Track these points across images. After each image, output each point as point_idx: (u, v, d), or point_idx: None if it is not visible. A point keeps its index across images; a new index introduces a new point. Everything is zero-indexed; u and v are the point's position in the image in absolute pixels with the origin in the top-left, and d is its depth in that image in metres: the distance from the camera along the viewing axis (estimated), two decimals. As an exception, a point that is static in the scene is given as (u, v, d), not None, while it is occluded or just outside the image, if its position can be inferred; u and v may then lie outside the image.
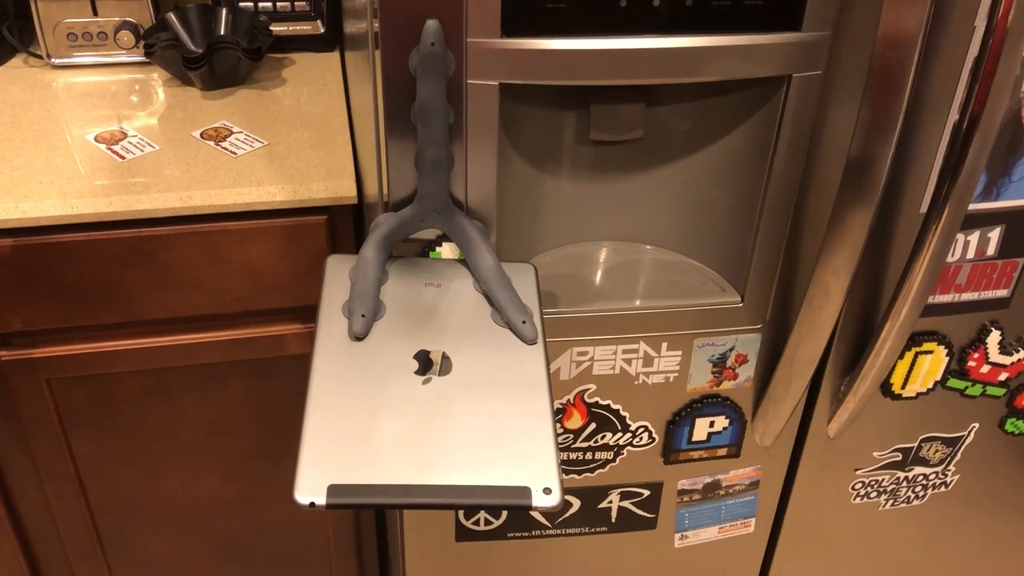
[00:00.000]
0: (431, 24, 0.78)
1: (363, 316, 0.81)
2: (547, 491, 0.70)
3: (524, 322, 0.83)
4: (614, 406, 1.06)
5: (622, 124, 0.95)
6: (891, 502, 1.25)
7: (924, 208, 0.97)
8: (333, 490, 0.68)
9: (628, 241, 1.06)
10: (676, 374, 1.04)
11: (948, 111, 0.91)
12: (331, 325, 0.82)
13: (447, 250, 0.91)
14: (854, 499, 1.23)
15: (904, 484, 1.23)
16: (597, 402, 1.05)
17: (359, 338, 0.80)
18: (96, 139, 1.28)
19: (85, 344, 1.29)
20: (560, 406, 1.05)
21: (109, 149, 1.26)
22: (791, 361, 1.00)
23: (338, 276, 0.87)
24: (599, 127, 0.95)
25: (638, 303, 0.99)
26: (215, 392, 1.37)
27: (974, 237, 1.01)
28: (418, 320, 0.83)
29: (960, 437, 1.19)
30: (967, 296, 1.05)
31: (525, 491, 0.70)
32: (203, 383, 1.36)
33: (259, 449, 1.44)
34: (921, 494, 1.25)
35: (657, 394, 1.06)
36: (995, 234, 1.02)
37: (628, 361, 1.02)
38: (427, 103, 0.81)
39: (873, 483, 1.21)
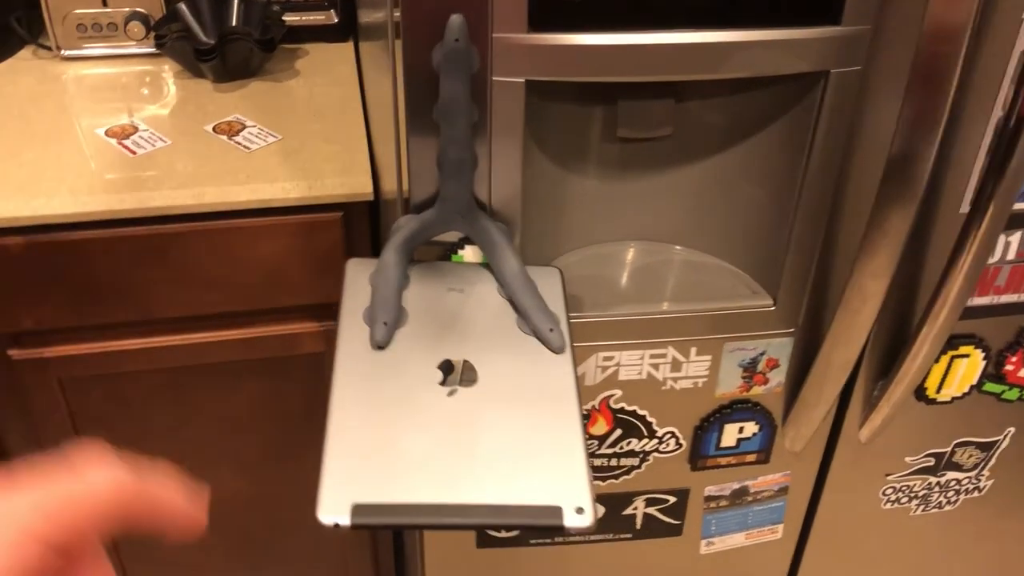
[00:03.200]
0: (455, 19, 0.75)
1: (385, 324, 0.78)
2: (579, 511, 0.67)
3: (551, 330, 0.79)
4: (640, 412, 1.03)
5: (651, 121, 0.92)
6: (922, 507, 1.21)
7: (964, 208, 0.93)
8: (358, 510, 0.65)
9: (656, 241, 1.02)
10: (705, 379, 1.01)
11: (992, 107, 0.87)
12: (352, 333, 0.79)
13: (470, 253, 0.88)
14: (884, 505, 1.20)
15: (936, 489, 1.20)
16: (623, 408, 1.02)
17: (381, 347, 0.77)
18: (106, 133, 1.25)
19: (97, 343, 1.26)
20: (584, 412, 1.02)
21: (120, 144, 1.23)
22: (825, 366, 0.96)
23: (358, 281, 0.84)
24: (627, 124, 0.92)
25: (666, 306, 0.96)
26: (229, 391, 1.35)
27: (1015, 238, 0.97)
28: (441, 327, 0.80)
29: (995, 442, 1.16)
30: (1006, 298, 1.02)
31: (556, 511, 0.67)
32: (217, 382, 1.33)
33: (274, 448, 1.42)
34: (953, 499, 1.22)
35: (685, 400, 1.02)
36: (1037, 234, 0.98)
37: (656, 366, 0.98)
38: (450, 102, 0.78)
39: (904, 488, 1.18)
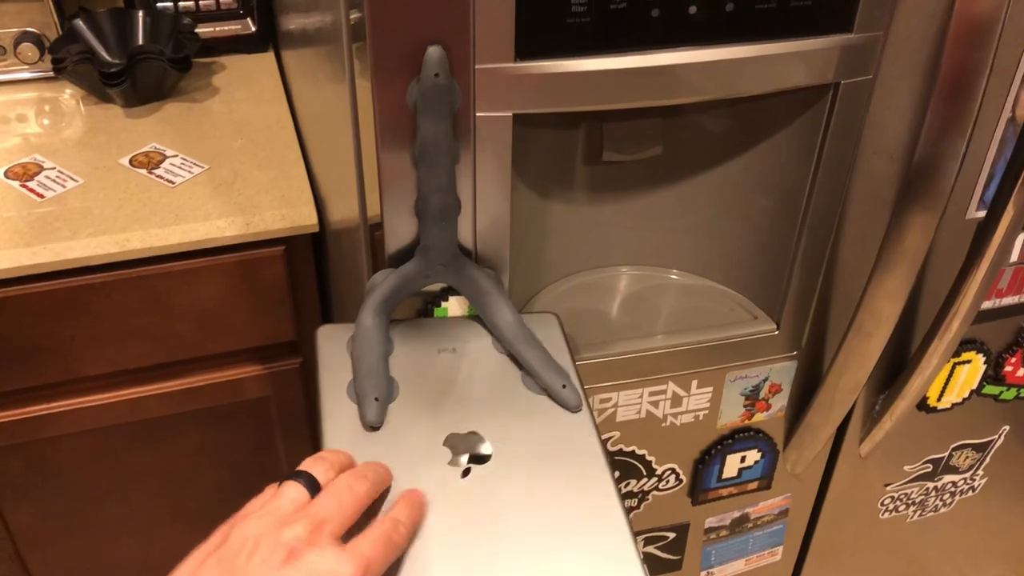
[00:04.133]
0: (434, 52, 0.65)
1: (376, 400, 0.68)
2: None
3: (564, 386, 0.71)
4: (639, 452, 0.95)
5: (639, 142, 0.84)
6: (919, 513, 1.18)
7: (971, 214, 0.88)
8: None
9: (647, 266, 0.94)
10: (706, 412, 0.94)
11: (1001, 109, 0.82)
12: (337, 415, 0.68)
13: (454, 305, 0.78)
14: (882, 514, 1.15)
15: (933, 494, 1.16)
16: (621, 449, 0.94)
17: (375, 428, 0.67)
18: (7, 175, 1.11)
19: (16, 410, 1.13)
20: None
21: (23, 186, 1.09)
22: (833, 390, 0.90)
23: (334, 351, 0.73)
24: (613, 147, 0.83)
25: (664, 339, 0.88)
26: (169, 446, 1.23)
27: (1020, 239, 0.92)
28: (439, 397, 0.71)
29: (990, 441, 1.13)
30: (1007, 300, 0.97)
31: None
32: (154, 438, 1.21)
33: (222, 498, 1.30)
34: (949, 501, 1.18)
35: (685, 434, 0.95)
36: (1039, 235, 0.93)
37: (655, 403, 0.91)
38: (431, 144, 0.68)
39: (903, 496, 1.14)
